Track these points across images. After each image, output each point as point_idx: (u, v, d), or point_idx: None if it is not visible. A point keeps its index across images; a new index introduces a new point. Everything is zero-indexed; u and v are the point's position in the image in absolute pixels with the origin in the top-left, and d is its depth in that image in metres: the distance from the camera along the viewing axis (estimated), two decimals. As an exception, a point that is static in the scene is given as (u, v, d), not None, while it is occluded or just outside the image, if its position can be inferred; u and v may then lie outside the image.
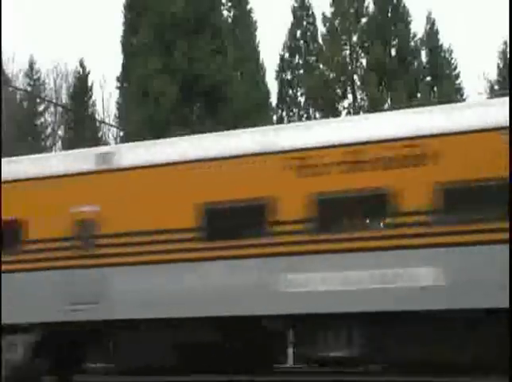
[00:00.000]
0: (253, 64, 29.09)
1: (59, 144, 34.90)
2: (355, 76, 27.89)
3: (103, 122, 31.31)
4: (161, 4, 24.17)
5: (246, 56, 28.29)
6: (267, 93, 30.13)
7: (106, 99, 36.30)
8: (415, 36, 28.76)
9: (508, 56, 23.82)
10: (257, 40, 30.97)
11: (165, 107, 22.78)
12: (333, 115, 24.85)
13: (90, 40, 51.94)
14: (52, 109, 35.79)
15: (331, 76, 27.16)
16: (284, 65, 32.17)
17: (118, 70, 26.75)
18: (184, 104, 23.35)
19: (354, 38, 27.99)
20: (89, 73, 35.21)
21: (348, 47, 27.88)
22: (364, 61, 27.88)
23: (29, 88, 34.46)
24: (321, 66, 28.38)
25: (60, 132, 35.63)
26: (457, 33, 49.03)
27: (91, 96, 34.91)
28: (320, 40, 29.97)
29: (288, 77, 32.17)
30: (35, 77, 35.42)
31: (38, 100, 34.40)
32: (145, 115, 22.98)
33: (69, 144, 29.13)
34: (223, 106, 24.05)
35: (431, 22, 31.39)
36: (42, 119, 35.43)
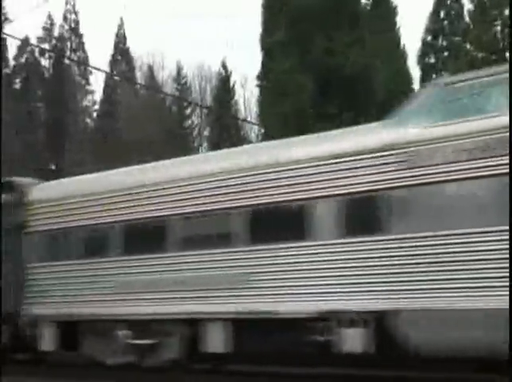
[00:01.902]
0: (394, 51, 28.10)
1: (205, 144, 36.51)
2: (507, 54, 25.68)
3: (245, 120, 32.15)
4: (297, -2, 24.16)
5: (386, 44, 27.38)
6: (410, 80, 28.97)
7: (247, 97, 37.32)
8: None
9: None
10: (397, 26, 29.91)
11: (304, 102, 22.77)
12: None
13: (232, 40, 53.66)
14: (198, 111, 37.60)
15: (480, 55, 25.29)
16: (426, 49, 30.69)
17: (258, 67, 27.30)
18: (323, 99, 23.16)
19: (506, 12, 25.76)
20: (231, 74, 36.41)
21: (499, 22, 25.74)
22: (518, 36, 25.53)
23: (177, 93, 36.51)
24: (468, 46, 26.55)
25: (206, 133, 37.28)
26: None
27: (233, 96, 36.08)
28: (467, 19, 28.08)
29: (432, 61, 30.64)
30: (182, 82, 37.44)
31: (185, 104, 36.28)
32: (284, 111, 23.14)
33: (213, 144, 30.29)
34: (364, 97, 23.47)
35: None
36: (189, 122, 37.36)
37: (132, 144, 31.63)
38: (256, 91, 31.55)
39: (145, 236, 9.91)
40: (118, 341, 9.97)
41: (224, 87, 35.49)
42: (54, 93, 39.30)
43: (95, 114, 42.69)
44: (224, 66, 35.88)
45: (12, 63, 41.44)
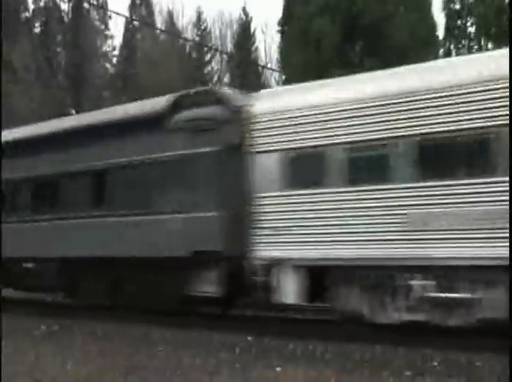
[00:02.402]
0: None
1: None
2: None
3: (265, 67, 31.97)
4: None
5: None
6: (433, 26, 28.40)
7: (268, 43, 36.93)
8: None
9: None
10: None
11: (326, 49, 22.59)
12: (507, 45, 22.67)
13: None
14: (218, 57, 37.37)
15: (507, 0, 24.64)
16: (452, -6, 29.91)
17: (279, 14, 26.98)
18: (345, 44, 22.94)
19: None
20: (251, 20, 35.98)
21: (528, -34, 24.89)
22: (547, -19, 24.72)
23: (197, 38, 36.22)
24: (495, -9, 25.82)
25: (226, 79, 37.15)
26: None
27: (253, 42, 35.76)
28: (495, -38, 27.14)
29: (457, 7, 29.90)
30: (202, 27, 37.08)
31: (205, 49, 36.07)
32: (306, 58, 23.00)
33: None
34: (386, 43, 23.19)
35: None
36: (209, 68, 37.22)
37: (151, 89, 31.71)
38: (277, 38, 31.23)
39: (456, 155, 7.51)
40: (413, 293, 7.75)
41: (244, 33, 35.16)
42: (73, 38, 39.16)
43: (114, 60, 42.59)
44: (245, 11, 35.51)
45: (31, 7, 41.20)
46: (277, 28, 27.74)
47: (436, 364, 6.93)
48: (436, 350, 7.42)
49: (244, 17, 36.00)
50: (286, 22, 25.90)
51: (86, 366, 7.19)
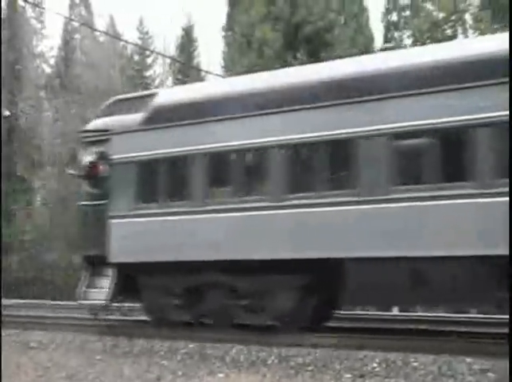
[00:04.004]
0: (356, 7, 28.22)
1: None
2: (467, 15, 26.17)
3: (208, 71, 32.03)
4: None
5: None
6: (371, 37, 29.25)
7: (210, 49, 36.97)
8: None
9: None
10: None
11: (269, 55, 22.85)
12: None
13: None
14: (160, 61, 37.07)
15: (440, 15, 25.69)
16: (390, 7, 30.94)
17: (223, 20, 27.07)
18: (287, 52, 23.27)
19: (465, -28, 26.04)
20: (194, 25, 35.99)
21: (458, -17, 26.03)
22: (478, -3, 25.98)
23: (139, 42, 35.79)
24: (429, 6, 26.90)
25: (169, 83, 36.92)
26: None
27: (196, 47, 35.73)
28: (429, -23, 28.24)
29: (395, 19, 30.93)
30: (144, 30, 36.69)
31: (147, 53, 35.72)
32: (249, 64, 23.18)
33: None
34: (326, 52, 23.68)
35: None
36: (151, 71, 36.85)
37: (90, 91, 31.11)
38: (220, 43, 31.34)
39: None
40: None
41: (188, 37, 35.12)
42: (7, 36, 37.80)
43: (52, 60, 41.42)
44: (188, 16, 35.53)
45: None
46: (222, 34, 27.86)
47: (375, 365, 7.17)
48: (375, 352, 7.68)
49: (188, 22, 36.03)
50: (230, 29, 26.04)
51: (19, 379, 6.95)
